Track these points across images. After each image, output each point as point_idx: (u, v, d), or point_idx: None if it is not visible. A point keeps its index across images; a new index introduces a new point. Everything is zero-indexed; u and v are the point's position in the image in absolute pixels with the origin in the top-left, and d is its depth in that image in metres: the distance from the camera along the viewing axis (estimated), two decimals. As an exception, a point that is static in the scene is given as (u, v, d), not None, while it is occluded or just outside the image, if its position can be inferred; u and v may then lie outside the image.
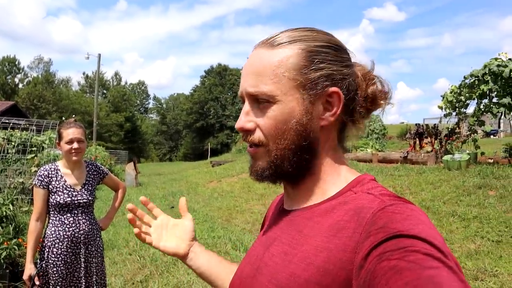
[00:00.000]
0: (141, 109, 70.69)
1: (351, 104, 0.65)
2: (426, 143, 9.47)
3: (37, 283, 2.26)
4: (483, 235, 4.56)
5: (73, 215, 2.33)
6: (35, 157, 7.35)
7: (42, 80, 49.56)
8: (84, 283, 2.35)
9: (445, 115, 8.82)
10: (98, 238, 2.47)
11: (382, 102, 0.68)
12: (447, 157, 7.68)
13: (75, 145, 2.34)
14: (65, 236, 2.29)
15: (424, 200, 6.00)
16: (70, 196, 2.32)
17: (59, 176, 2.36)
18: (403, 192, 6.58)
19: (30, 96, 44.87)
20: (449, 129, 8.73)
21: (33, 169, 6.86)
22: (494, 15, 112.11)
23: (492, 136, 19.83)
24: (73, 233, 2.31)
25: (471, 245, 4.40)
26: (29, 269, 2.26)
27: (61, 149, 2.40)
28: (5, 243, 3.71)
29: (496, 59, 7.65)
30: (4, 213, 4.36)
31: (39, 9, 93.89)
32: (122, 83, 64.06)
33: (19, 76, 51.35)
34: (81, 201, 2.35)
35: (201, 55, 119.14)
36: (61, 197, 2.30)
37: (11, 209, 4.52)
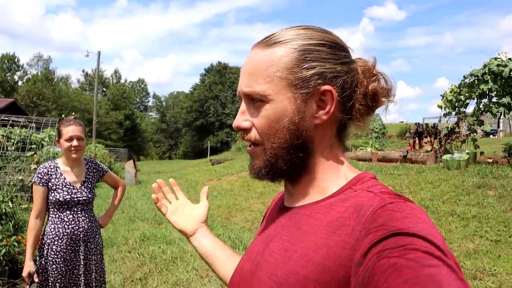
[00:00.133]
0: (140, 107, 70.71)
1: (348, 102, 0.64)
2: (426, 143, 9.49)
3: (36, 280, 2.26)
4: (482, 234, 4.57)
5: (72, 212, 2.33)
6: (35, 155, 7.35)
7: (42, 77, 49.46)
8: (83, 281, 2.35)
9: (445, 115, 8.83)
10: (97, 236, 2.47)
11: (383, 99, 0.67)
12: (446, 157, 7.69)
13: (75, 142, 2.34)
14: (65, 234, 2.29)
15: (423, 199, 6.01)
16: (70, 193, 2.32)
17: (59, 174, 2.35)
18: (402, 191, 6.59)
19: (29, 94, 44.83)
20: (449, 129, 8.74)
21: (33, 166, 6.86)
22: (494, 14, 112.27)
23: (491, 136, 19.83)
24: (73, 230, 2.31)
25: (470, 245, 4.41)
26: (29, 266, 2.27)
27: (61, 147, 2.40)
28: (5, 240, 3.71)
29: (495, 58, 7.65)
30: (4, 210, 4.36)
31: (39, 6, 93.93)
32: (122, 81, 64.13)
33: (18, 73, 51.35)
34: (80, 198, 2.35)
35: (201, 53, 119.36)
36: (61, 194, 2.30)
37: (11, 207, 4.52)
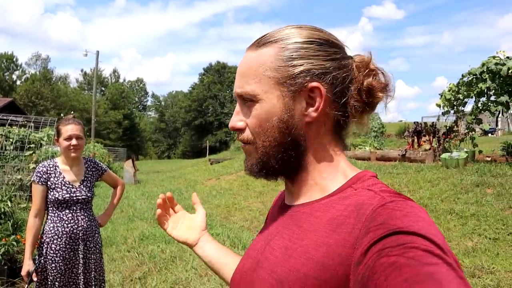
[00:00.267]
0: (139, 106, 70.57)
1: (341, 98, 0.63)
2: (424, 141, 9.51)
3: (35, 279, 2.26)
4: (481, 232, 4.59)
5: (71, 211, 2.33)
6: (33, 154, 7.34)
7: (40, 77, 49.35)
8: (82, 279, 2.35)
9: (443, 113, 8.85)
10: (96, 235, 2.47)
11: (380, 94, 0.65)
12: (445, 155, 7.70)
13: (74, 141, 2.33)
14: (64, 232, 2.29)
15: (422, 198, 6.02)
16: (69, 192, 2.32)
17: (58, 173, 2.35)
18: (401, 190, 6.60)
19: (28, 93, 44.72)
20: (447, 127, 8.76)
21: (31, 165, 6.85)
22: (493, 13, 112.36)
23: (489, 135, 19.89)
24: (72, 229, 2.31)
25: (468, 243, 4.42)
26: (28, 265, 2.26)
27: (60, 146, 2.39)
28: (3, 239, 3.71)
29: (494, 57, 7.66)
30: (2, 209, 4.36)
31: (37, 5, 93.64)
32: (121, 80, 63.94)
33: (16, 73, 51.15)
34: (79, 197, 2.35)
35: (200, 53, 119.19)
36: (60, 193, 2.30)
37: (9, 206, 4.52)
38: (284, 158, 0.64)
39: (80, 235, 2.34)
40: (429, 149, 8.92)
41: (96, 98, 34.62)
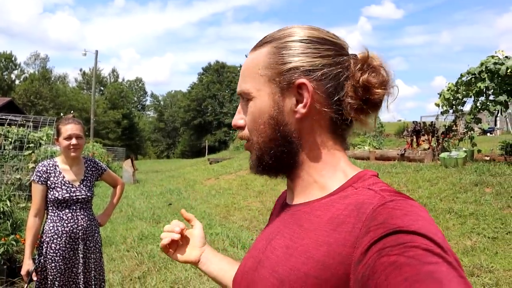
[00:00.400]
0: (138, 106, 70.48)
1: (334, 95, 0.62)
2: (423, 141, 9.52)
3: (35, 278, 2.26)
4: (479, 231, 4.59)
5: (71, 211, 2.33)
6: (32, 154, 7.32)
7: (39, 76, 49.27)
8: (82, 279, 2.35)
9: (442, 113, 8.84)
10: (96, 234, 2.47)
11: (377, 91, 0.62)
12: (444, 155, 7.71)
13: (74, 141, 2.33)
14: (64, 232, 2.29)
15: (421, 197, 6.03)
16: (69, 192, 2.32)
17: (58, 172, 2.35)
18: (400, 189, 6.60)
19: (26, 93, 44.65)
20: (446, 127, 8.76)
21: (30, 165, 6.85)
22: (492, 12, 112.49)
23: (488, 134, 19.90)
24: (72, 228, 2.31)
25: (467, 242, 4.43)
26: (27, 265, 2.27)
27: (60, 145, 2.39)
28: (3, 239, 3.71)
29: (492, 56, 7.67)
30: (2, 209, 4.35)
31: (36, 5, 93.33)
32: (119, 80, 63.86)
33: (15, 72, 51.06)
34: (79, 197, 2.35)
35: (199, 52, 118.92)
36: (60, 193, 2.30)
37: (9, 205, 4.52)
38: (277, 154, 0.65)
39: (80, 234, 2.34)
40: (428, 148, 8.93)
41: (95, 98, 34.58)
